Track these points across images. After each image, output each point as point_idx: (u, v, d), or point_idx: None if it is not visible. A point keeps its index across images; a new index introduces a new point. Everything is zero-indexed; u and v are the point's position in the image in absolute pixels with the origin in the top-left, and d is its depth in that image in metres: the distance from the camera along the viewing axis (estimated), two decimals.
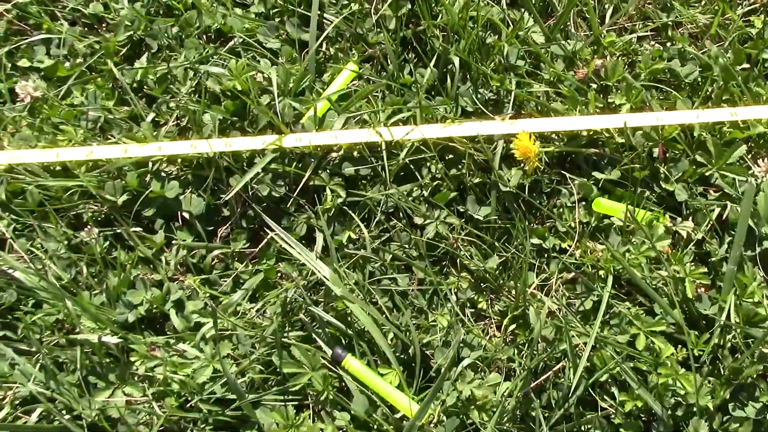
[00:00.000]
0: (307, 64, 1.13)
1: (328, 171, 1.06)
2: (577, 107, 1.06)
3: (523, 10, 1.15)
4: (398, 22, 1.15)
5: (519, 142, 0.99)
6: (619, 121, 1.02)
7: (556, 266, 1.01)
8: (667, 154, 1.04)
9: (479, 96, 1.09)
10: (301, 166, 1.06)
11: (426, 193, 1.04)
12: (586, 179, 1.04)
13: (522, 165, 1.02)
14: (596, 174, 1.03)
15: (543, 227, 1.03)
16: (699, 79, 1.09)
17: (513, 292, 1.00)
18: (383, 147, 1.03)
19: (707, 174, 1.02)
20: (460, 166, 1.05)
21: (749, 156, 1.05)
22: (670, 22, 1.15)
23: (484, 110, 1.07)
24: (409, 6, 1.16)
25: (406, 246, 1.03)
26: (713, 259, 0.98)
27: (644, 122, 1.02)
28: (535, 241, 1.02)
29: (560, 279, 1.01)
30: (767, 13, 1.15)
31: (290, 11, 1.17)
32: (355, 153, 1.06)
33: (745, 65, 1.10)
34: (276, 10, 1.19)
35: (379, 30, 1.16)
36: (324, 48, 1.18)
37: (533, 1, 1.15)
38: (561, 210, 1.04)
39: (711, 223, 1.00)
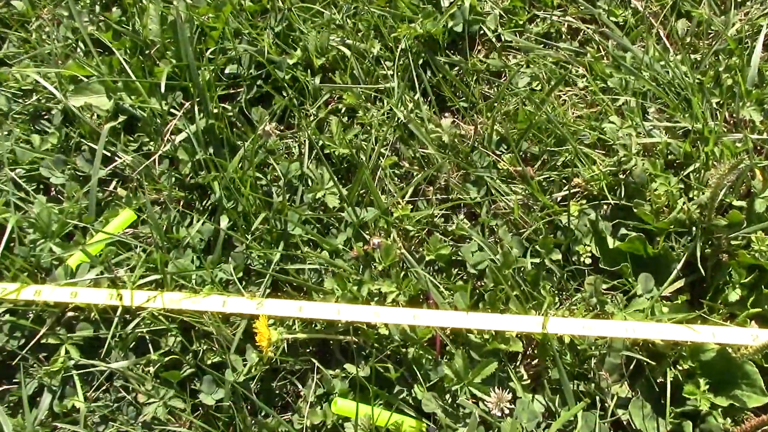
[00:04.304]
0: (86, 203, 1.07)
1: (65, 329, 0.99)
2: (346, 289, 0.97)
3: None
4: (193, 167, 1.10)
5: (258, 326, 0.91)
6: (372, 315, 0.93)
7: None
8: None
9: (245, 263, 1.02)
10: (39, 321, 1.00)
11: (152, 370, 0.95)
12: (333, 372, 0.94)
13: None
14: (348, 367, 0.94)
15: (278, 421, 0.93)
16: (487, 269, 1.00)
17: None
18: (118, 313, 0.96)
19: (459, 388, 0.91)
20: (203, 342, 0.97)
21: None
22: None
23: (237, 283, 1.00)
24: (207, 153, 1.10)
25: (132, 422, 0.94)
26: None
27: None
28: None
29: None
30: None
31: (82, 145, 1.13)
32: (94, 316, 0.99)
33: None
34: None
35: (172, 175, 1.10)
36: (112, 187, 1.12)
37: None
38: (300, 406, 0.94)
39: None
